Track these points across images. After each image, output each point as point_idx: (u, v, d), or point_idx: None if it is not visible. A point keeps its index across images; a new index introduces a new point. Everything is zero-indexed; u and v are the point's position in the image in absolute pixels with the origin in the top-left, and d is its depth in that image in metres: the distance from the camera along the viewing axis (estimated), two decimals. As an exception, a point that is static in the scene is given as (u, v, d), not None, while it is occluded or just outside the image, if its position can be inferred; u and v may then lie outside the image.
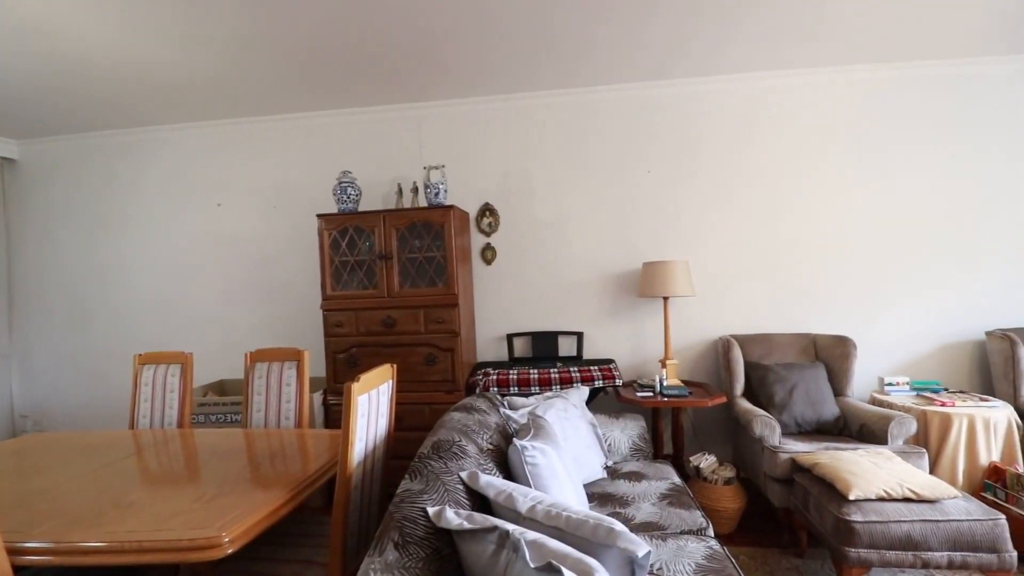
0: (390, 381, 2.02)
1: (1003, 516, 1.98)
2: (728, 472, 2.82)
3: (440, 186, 3.29)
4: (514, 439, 1.72)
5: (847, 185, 3.43)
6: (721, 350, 3.34)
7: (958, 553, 1.96)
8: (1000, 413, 2.73)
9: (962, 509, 2.01)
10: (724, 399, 3.05)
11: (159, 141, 4.06)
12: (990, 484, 2.59)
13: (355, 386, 1.64)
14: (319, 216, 3.29)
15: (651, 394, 3.07)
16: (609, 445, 2.72)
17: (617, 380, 3.19)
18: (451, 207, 3.20)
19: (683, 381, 3.40)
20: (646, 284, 3.30)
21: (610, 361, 3.40)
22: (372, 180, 3.82)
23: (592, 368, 3.23)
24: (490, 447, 1.83)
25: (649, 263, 3.31)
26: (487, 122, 3.74)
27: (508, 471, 1.76)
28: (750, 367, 3.21)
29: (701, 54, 3.13)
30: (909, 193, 3.38)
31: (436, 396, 3.18)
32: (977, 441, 2.70)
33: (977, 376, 3.35)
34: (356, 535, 1.76)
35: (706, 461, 2.90)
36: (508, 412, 2.29)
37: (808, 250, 3.48)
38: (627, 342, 3.66)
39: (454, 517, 1.24)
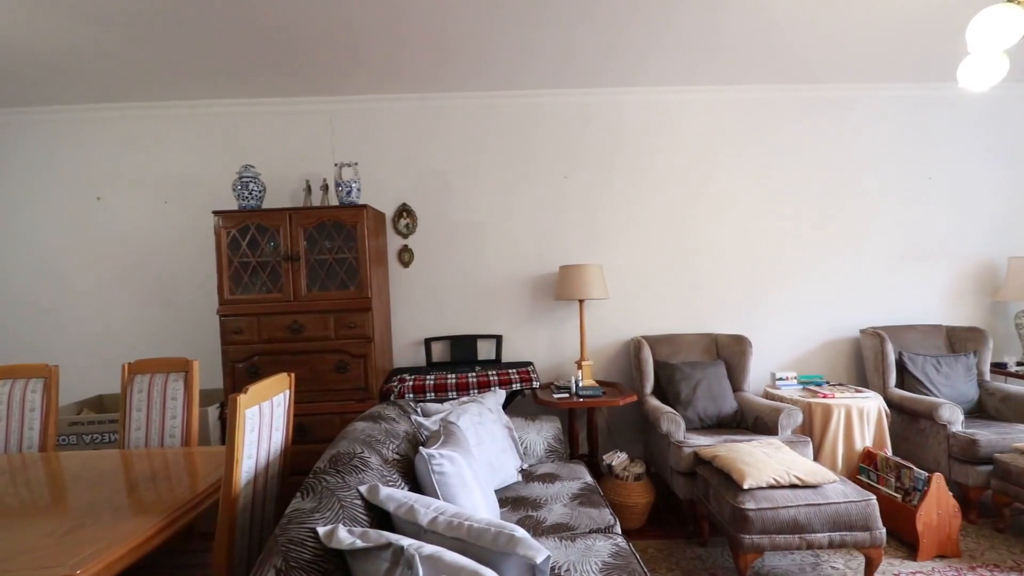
0: (286, 391, 1.88)
1: (874, 496, 2.19)
2: (638, 468, 2.92)
3: (353, 184, 3.15)
4: (420, 447, 1.66)
5: (742, 196, 3.69)
6: (632, 350, 3.47)
7: (837, 533, 2.14)
8: (872, 403, 3.03)
9: (840, 492, 2.20)
10: (635, 398, 3.15)
11: (22, 124, 3.56)
12: (864, 467, 2.87)
13: (242, 398, 1.50)
14: (216, 213, 3.02)
15: (567, 395, 3.11)
16: (525, 448, 2.72)
17: (535, 382, 3.20)
18: (364, 206, 3.07)
19: (598, 381, 3.48)
20: (563, 287, 3.35)
21: (528, 364, 3.41)
22: (278, 176, 3.58)
23: (510, 371, 3.23)
24: (396, 457, 1.75)
25: (565, 266, 3.36)
26: (404, 121, 3.64)
27: (415, 482, 1.70)
28: (659, 366, 3.35)
29: (622, 67, 3.25)
30: (795, 205, 3.70)
31: (348, 405, 3.03)
32: (853, 429, 2.98)
33: (853, 369, 3.72)
34: (245, 562, 1.61)
35: (618, 459, 2.98)
36: (420, 419, 2.21)
37: (710, 255, 3.70)
38: (545, 344, 3.69)
39: (347, 536, 1.16)
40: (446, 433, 1.89)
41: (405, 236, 3.65)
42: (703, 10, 2.59)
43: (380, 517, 1.39)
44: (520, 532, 1.18)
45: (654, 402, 3.13)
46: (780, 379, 3.41)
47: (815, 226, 3.71)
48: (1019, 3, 1.72)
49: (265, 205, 3.36)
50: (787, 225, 3.70)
